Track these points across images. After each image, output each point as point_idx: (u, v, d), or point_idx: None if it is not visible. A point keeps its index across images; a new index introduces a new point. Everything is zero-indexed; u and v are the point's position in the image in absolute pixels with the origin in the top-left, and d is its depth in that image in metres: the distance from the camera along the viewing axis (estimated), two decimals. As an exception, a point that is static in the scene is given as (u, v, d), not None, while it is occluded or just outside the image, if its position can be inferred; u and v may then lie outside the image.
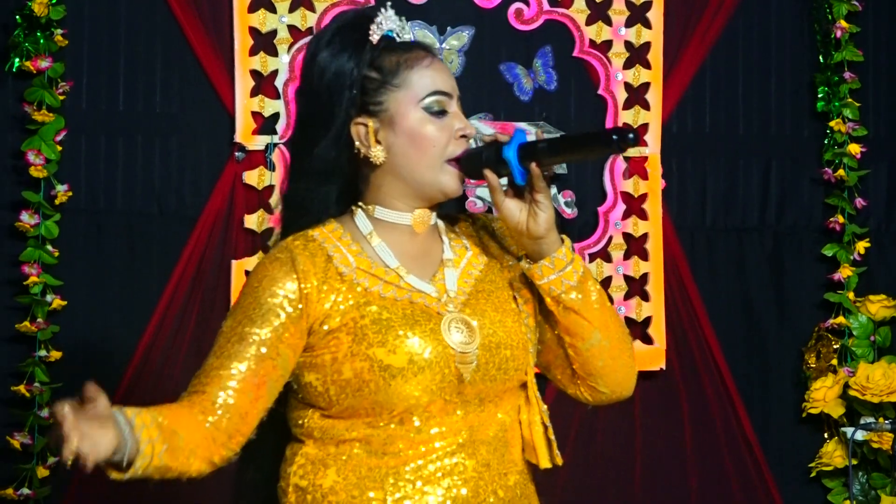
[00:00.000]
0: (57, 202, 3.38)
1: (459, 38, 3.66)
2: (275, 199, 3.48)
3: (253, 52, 3.52)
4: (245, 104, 3.51)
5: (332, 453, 1.97)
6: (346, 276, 1.98)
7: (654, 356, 3.71)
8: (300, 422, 2.00)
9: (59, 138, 3.38)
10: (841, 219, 3.93)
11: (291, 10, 3.55)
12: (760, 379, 3.93)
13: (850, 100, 3.93)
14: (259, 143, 3.51)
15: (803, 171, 3.98)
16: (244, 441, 1.95)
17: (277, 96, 3.52)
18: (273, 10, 3.54)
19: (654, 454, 3.77)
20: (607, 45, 3.78)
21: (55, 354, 3.36)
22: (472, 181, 2.08)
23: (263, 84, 3.53)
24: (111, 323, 3.46)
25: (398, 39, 2.04)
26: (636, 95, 3.80)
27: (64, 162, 3.41)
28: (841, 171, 3.91)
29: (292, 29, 3.55)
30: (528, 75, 3.72)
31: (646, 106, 3.79)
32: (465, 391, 1.96)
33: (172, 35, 3.51)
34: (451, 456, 1.95)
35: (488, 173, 1.98)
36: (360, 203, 2.05)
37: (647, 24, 3.80)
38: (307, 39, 3.54)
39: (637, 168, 3.77)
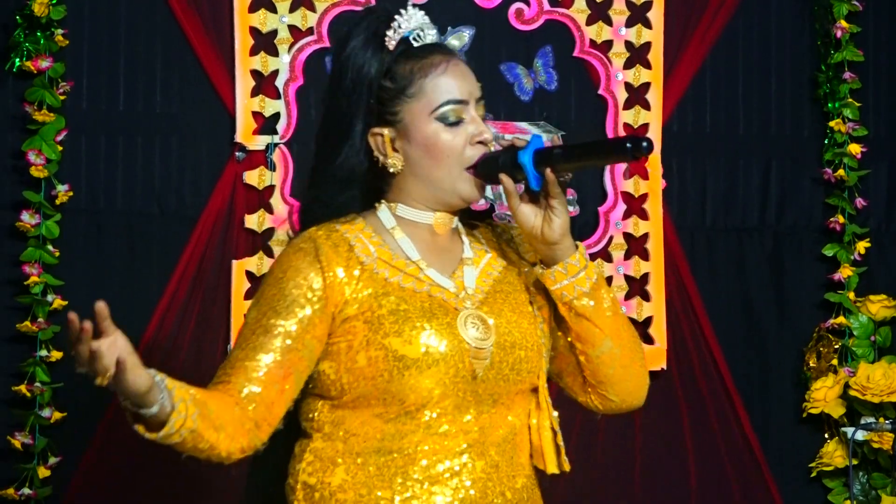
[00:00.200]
0: (57, 202, 3.38)
1: (460, 38, 3.66)
2: (279, 201, 3.48)
3: (253, 51, 3.52)
4: (245, 104, 3.51)
5: (340, 450, 1.97)
6: (367, 265, 1.99)
7: (654, 356, 3.71)
8: (311, 415, 2.01)
9: (59, 138, 3.38)
10: (841, 219, 3.93)
11: (292, 9, 3.55)
12: (760, 379, 3.93)
13: (850, 100, 3.93)
14: (259, 143, 3.51)
15: (803, 171, 3.98)
16: (271, 431, 1.95)
17: (278, 96, 3.52)
18: (273, 9, 3.54)
19: (654, 454, 3.77)
20: (608, 45, 3.78)
21: (56, 354, 3.35)
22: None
23: (264, 84, 3.52)
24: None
25: (417, 43, 2.04)
26: (636, 95, 3.80)
27: (64, 162, 3.41)
28: (841, 171, 3.91)
29: (293, 29, 3.55)
30: (528, 75, 3.72)
31: (646, 106, 3.79)
32: (478, 389, 1.96)
33: (173, 35, 3.51)
34: (460, 455, 1.95)
35: (504, 177, 1.99)
36: (383, 200, 2.07)
37: (648, 24, 3.80)
38: (308, 39, 3.54)
39: (637, 168, 3.77)
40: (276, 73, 3.53)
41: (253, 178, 3.51)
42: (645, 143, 1.91)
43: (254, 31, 3.53)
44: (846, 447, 3.79)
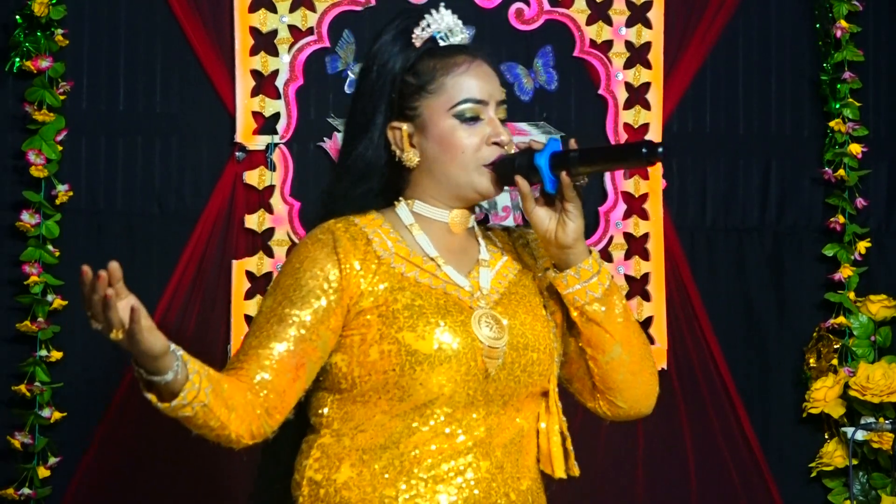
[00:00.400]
0: (58, 202, 3.38)
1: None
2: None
3: (253, 51, 3.52)
4: (245, 104, 3.50)
5: (347, 447, 1.97)
6: (384, 259, 2.00)
7: (655, 356, 3.69)
8: (319, 410, 2.01)
9: (59, 138, 3.38)
10: (841, 219, 3.93)
11: (292, 9, 3.55)
12: (760, 379, 3.93)
13: (850, 100, 3.93)
14: (260, 143, 3.51)
15: (803, 171, 3.98)
16: (281, 420, 1.95)
17: (278, 96, 3.52)
18: (274, 9, 3.54)
19: (654, 454, 3.77)
20: (608, 45, 3.78)
21: (56, 354, 3.36)
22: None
23: (264, 84, 3.52)
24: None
25: (444, 42, 2.05)
26: (636, 95, 3.79)
27: (64, 162, 3.41)
28: (841, 171, 3.91)
29: (293, 29, 3.55)
30: (528, 75, 3.72)
31: (646, 106, 3.79)
32: (489, 388, 1.97)
33: (173, 35, 3.51)
34: (465, 455, 1.96)
35: (519, 179, 2.00)
36: (401, 198, 2.07)
37: (648, 24, 3.80)
38: (308, 39, 3.55)
39: (638, 168, 3.76)
40: (276, 73, 3.53)
41: (253, 178, 3.51)
42: (661, 149, 1.93)
43: (254, 31, 3.53)
44: (846, 447, 3.79)
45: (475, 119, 2.02)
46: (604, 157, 2.07)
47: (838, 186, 3.95)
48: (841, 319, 3.91)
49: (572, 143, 1.99)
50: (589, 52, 3.77)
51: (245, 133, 3.50)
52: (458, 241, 2.07)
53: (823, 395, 3.84)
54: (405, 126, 2.04)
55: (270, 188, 3.51)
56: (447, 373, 1.93)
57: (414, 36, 2.04)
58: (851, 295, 3.91)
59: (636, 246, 3.78)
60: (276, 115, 3.52)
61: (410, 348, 1.93)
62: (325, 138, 3.56)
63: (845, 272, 3.92)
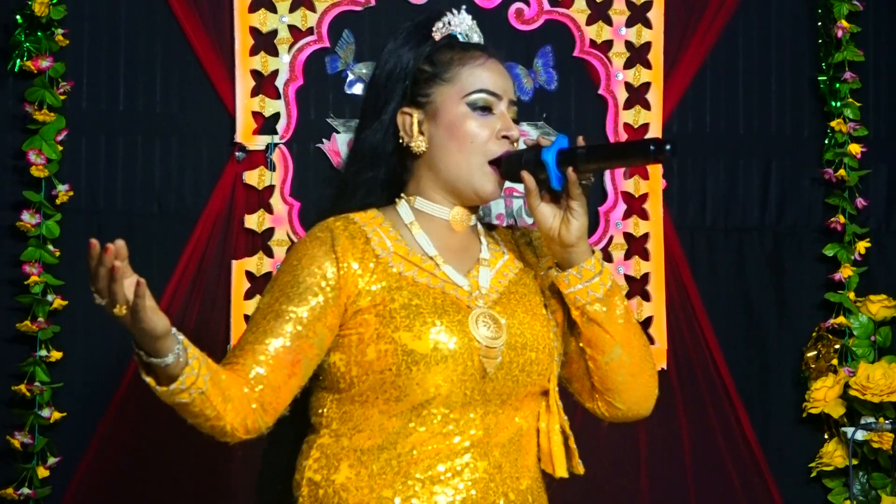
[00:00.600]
0: (58, 202, 3.38)
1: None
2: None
3: (253, 51, 3.52)
4: (245, 104, 3.51)
5: (346, 447, 1.97)
6: (382, 258, 2.00)
7: (654, 356, 3.69)
8: (319, 410, 2.01)
9: (59, 138, 3.38)
10: (841, 219, 3.93)
11: (292, 9, 3.55)
12: (760, 379, 3.93)
13: (850, 100, 3.93)
14: (259, 143, 3.51)
15: (803, 171, 3.98)
16: (276, 416, 1.95)
17: (278, 96, 3.52)
18: (273, 9, 3.54)
19: (654, 454, 3.77)
20: (608, 45, 3.78)
21: (56, 354, 3.36)
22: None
23: (264, 84, 3.53)
24: (111, 323, 3.42)
25: (462, 39, 2.07)
26: (637, 95, 3.80)
27: (65, 162, 3.41)
28: (841, 171, 3.91)
29: (293, 29, 3.55)
30: (528, 75, 3.72)
31: (646, 106, 3.79)
32: (487, 388, 1.96)
33: (172, 35, 3.51)
34: (463, 455, 1.96)
35: (525, 175, 2.00)
36: (402, 195, 2.08)
37: (648, 24, 3.80)
38: (308, 39, 3.55)
39: (637, 168, 3.76)
40: (276, 73, 3.53)
41: (253, 178, 3.51)
42: (669, 146, 1.92)
43: (254, 31, 3.53)
44: (846, 447, 3.79)
45: (487, 110, 2.03)
46: (612, 153, 2.07)
47: (838, 186, 3.94)
48: (841, 319, 3.91)
49: (580, 140, 1.99)
50: (589, 52, 3.77)
51: (245, 133, 3.50)
52: (459, 239, 2.07)
53: (823, 395, 3.84)
54: (416, 113, 2.05)
55: (270, 188, 3.51)
56: (444, 373, 1.93)
57: (434, 29, 2.06)
58: (851, 295, 3.91)
59: (636, 246, 3.78)
60: (276, 115, 3.52)
61: (407, 348, 1.93)
62: (324, 139, 3.56)
63: (845, 272, 3.92)
